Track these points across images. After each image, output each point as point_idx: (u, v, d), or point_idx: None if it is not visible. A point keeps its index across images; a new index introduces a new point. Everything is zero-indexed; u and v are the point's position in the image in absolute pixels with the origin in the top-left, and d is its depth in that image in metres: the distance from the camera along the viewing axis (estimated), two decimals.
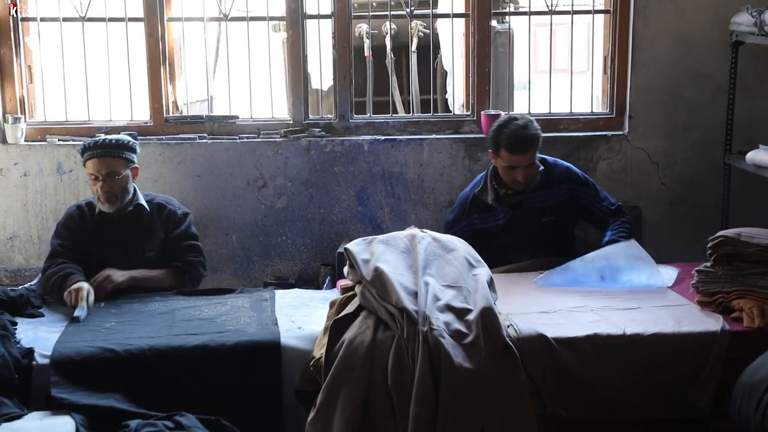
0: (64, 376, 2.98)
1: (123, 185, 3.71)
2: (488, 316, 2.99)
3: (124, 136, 3.86)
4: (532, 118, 3.87)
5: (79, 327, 3.27)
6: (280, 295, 3.72)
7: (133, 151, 3.77)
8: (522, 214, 3.89)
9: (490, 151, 3.87)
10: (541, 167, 3.87)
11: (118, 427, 2.80)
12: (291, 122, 4.56)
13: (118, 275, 3.64)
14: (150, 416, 2.87)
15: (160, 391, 3.01)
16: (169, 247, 3.81)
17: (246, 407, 3.06)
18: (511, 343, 2.97)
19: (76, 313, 3.34)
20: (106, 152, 3.68)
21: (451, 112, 5.40)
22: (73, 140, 4.45)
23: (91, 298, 3.45)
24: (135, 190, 3.80)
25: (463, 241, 3.52)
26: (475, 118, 4.60)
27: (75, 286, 3.47)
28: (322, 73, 4.84)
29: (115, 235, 3.74)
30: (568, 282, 3.59)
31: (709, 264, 3.34)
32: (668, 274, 3.63)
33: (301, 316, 3.40)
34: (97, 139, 3.77)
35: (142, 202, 3.79)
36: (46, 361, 3.02)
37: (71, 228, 3.75)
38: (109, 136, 3.82)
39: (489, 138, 3.88)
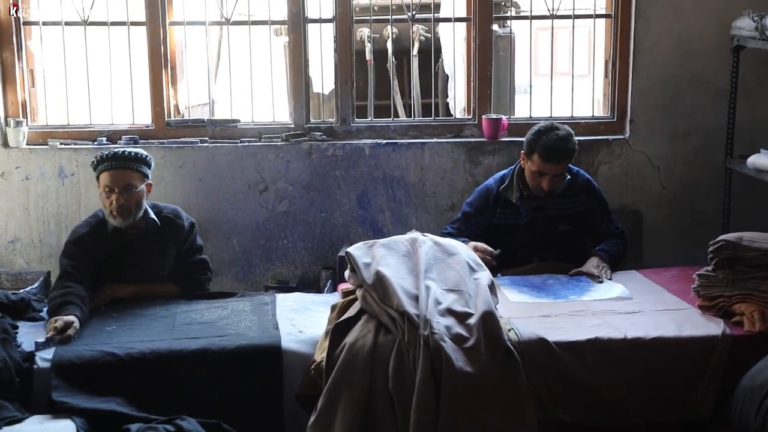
0: (65, 380, 2.98)
1: (138, 200, 3.60)
2: (489, 320, 3.00)
3: (140, 150, 3.71)
4: (572, 131, 3.84)
5: (80, 330, 3.26)
6: (281, 298, 3.73)
7: (149, 166, 3.67)
8: (542, 217, 3.90)
9: (522, 152, 3.87)
10: (567, 176, 3.88)
11: (119, 431, 2.81)
12: (292, 126, 4.57)
13: (122, 289, 3.62)
14: (151, 420, 2.87)
15: (161, 394, 3.01)
16: (178, 263, 3.76)
17: (247, 411, 3.06)
18: (512, 347, 2.97)
19: (40, 339, 3.14)
20: (124, 164, 3.57)
21: (452, 116, 5.41)
22: (75, 144, 4.45)
23: (71, 332, 3.19)
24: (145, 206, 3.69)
25: (464, 245, 3.53)
26: (476, 122, 4.60)
27: (63, 319, 3.23)
28: (323, 77, 4.84)
29: (129, 254, 3.66)
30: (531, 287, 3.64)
31: (710, 268, 3.34)
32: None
33: (302, 320, 3.40)
34: (112, 150, 3.64)
35: (153, 217, 3.70)
36: (47, 364, 3.02)
37: (81, 248, 3.60)
38: (124, 148, 3.70)
39: (525, 140, 3.85)
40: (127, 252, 3.65)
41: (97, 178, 3.62)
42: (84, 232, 3.64)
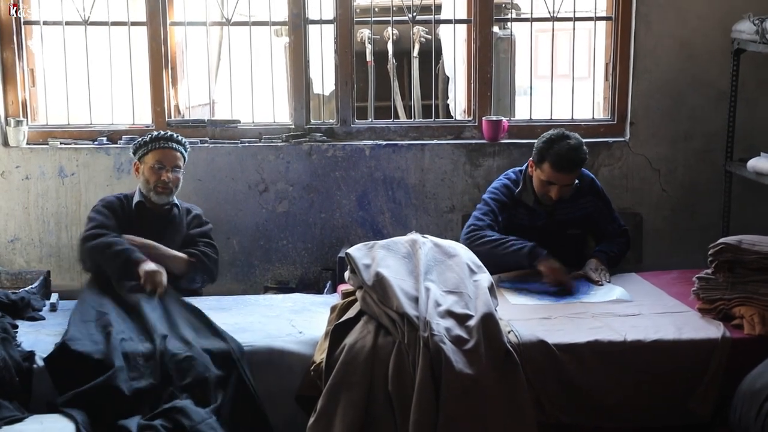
0: (60, 379, 2.97)
1: (178, 180, 3.84)
2: (489, 322, 3.00)
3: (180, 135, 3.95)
4: (582, 139, 3.80)
5: (79, 329, 3.25)
6: (281, 299, 3.73)
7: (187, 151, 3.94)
8: (552, 223, 3.88)
9: (531, 160, 3.83)
10: (576, 182, 3.83)
11: (117, 429, 2.80)
12: (293, 127, 4.57)
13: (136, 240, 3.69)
14: (144, 405, 2.85)
15: (158, 394, 2.99)
16: (187, 241, 3.84)
17: (245, 411, 3.05)
18: (511, 349, 2.97)
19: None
20: (175, 146, 3.83)
21: (452, 117, 5.42)
22: (75, 144, 4.46)
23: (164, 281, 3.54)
24: None
25: (464, 246, 3.53)
26: (476, 124, 4.60)
27: (149, 269, 3.52)
28: (323, 78, 4.85)
29: (147, 231, 3.76)
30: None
31: (710, 271, 3.34)
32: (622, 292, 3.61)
33: (302, 321, 3.40)
34: (167, 132, 3.86)
35: (177, 202, 3.89)
36: None
37: (111, 211, 3.78)
38: (170, 132, 3.90)
39: (535, 147, 3.80)
40: (144, 227, 3.76)
41: (142, 157, 3.81)
42: (112, 200, 3.84)
